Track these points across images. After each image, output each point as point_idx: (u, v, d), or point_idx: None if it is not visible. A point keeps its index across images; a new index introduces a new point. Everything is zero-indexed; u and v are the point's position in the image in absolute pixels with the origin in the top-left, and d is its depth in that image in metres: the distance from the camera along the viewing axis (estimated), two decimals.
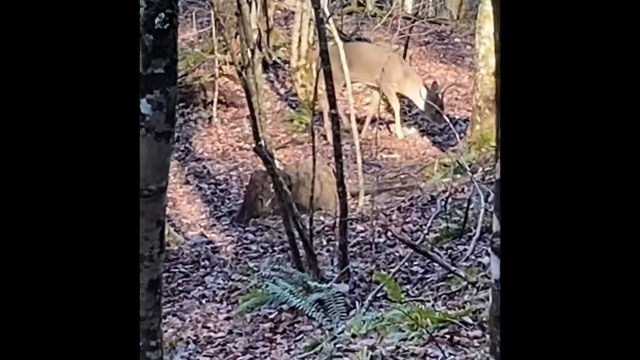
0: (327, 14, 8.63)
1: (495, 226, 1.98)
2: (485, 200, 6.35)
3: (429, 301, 5.19)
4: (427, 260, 6.12)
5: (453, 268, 5.58)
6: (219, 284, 7.02)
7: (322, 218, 8.09)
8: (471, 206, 6.71)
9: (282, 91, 12.38)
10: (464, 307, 4.71)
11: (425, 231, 6.87)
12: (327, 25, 8.13)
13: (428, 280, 5.97)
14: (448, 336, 4.17)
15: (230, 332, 5.82)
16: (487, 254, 5.35)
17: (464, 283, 5.23)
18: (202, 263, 7.76)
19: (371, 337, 4.44)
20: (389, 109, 10.98)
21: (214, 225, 9.01)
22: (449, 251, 6.48)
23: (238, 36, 8.85)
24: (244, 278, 6.75)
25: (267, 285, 5.97)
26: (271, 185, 6.96)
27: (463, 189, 7.83)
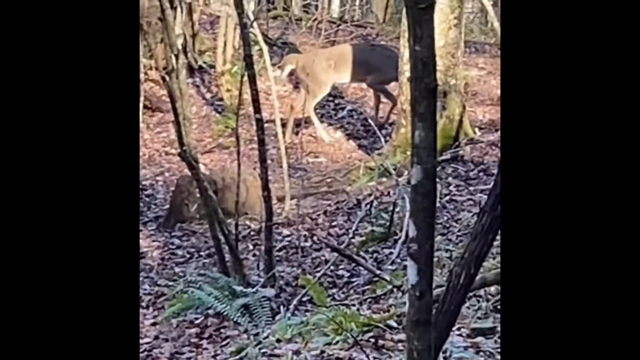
0: (252, 18, 8.62)
1: (412, 231, 2.00)
2: None
3: (354, 305, 5.21)
4: (353, 264, 6.15)
5: (378, 272, 5.62)
6: (145, 289, 6.97)
7: (248, 222, 8.07)
8: (397, 209, 6.77)
9: (208, 96, 12.33)
10: (388, 311, 4.74)
11: (351, 235, 6.91)
12: (251, 30, 8.13)
13: (354, 284, 6.00)
14: (372, 340, 4.19)
15: (156, 337, 5.78)
16: None
17: (389, 287, 5.27)
18: None
19: (296, 342, 4.44)
20: (315, 112, 11.00)
21: (140, 230, 8.95)
22: (375, 255, 6.52)
23: (163, 41, 8.81)
24: (170, 283, 6.71)
25: (192, 291, 5.94)
26: (197, 190, 6.92)
27: (389, 193, 7.88)
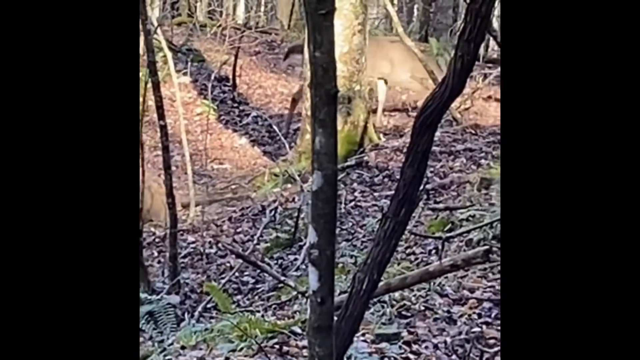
0: (155, 24, 8.55)
1: (312, 237, 2.00)
2: None
3: (259, 311, 5.20)
4: (258, 271, 6.14)
5: (283, 278, 5.61)
6: None
7: (152, 229, 8.00)
8: (301, 216, 6.77)
9: None
10: (293, 317, 4.74)
11: (256, 241, 6.89)
12: (155, 36, 8.05)
13: (259, 290, 5.99)
14: (277, 346, 4.18)
15: None
16: None
17: (294, 293, 5.27)
18: None
19: (200, 349, 4.40)
20: (220, 118, 10.95)
21: None
22: (280, 261, 6.52)
23: None
24: None
25: None
26: None
27: (293, 199, 7.89)
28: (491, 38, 6.43)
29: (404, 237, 5.62)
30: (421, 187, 2.62)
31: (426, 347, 4.01)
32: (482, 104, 10.69)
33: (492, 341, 3.97)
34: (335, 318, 2.67)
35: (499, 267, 5.24)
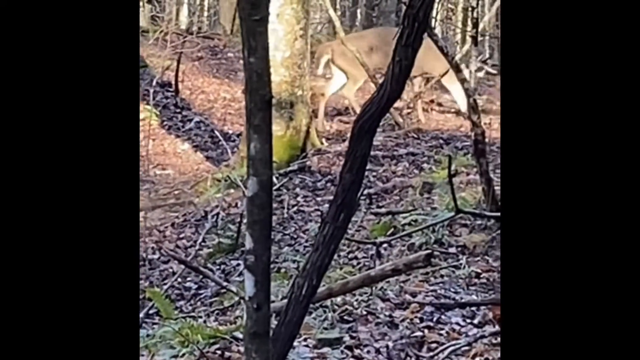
0: None
1: (248, 243, 1.99)
2: None
3: (201, 317, 5.17)
4: (200, 276, 6.10)
5: (225, 283, 5.58)
6: None
7: None
8: (244, 221, 6.75)
9: None
10: (235, 323, 4.73)
11: (198, 247, 6.86)
12: None
13: (201, 296, 5.96)
14: (219, 352, 4.16)
15: None
16: None
17: (236, 298, 5.25)
18: None
19: (142, 355, 4.37)
20: (162, 124, 10.88)
21: None
22: (222, 266, 6.50)
23: None
24: None
25: None
26: None
27: (236, 204, 7.86)
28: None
29: (346, 241, 5.64)
30: (360, 192, 2.62)
31: (368, 352, 4.02)
32: (424, 107, 10.74)
33: (434, 345, 3.99)
34: (276, 323, 2.67)
35: (441, 271, 5.28)
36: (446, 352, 2.54)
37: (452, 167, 7.73)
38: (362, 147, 2.53)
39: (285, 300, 2.72)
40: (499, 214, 5.71)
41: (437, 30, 17.99)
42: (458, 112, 10.10)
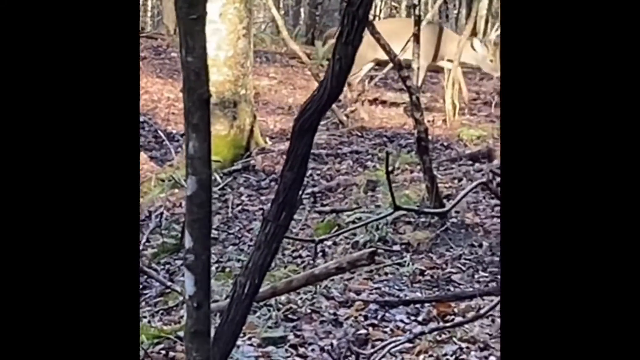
0: None
1: (188, 242, 1.98)
2: None
3: (145, 317, 5.14)
4: (145, 276, 6.06)
5: (169, 283, 5.55)
6: None
7: None
8: None
9: None
10: (179, 322, 4.71)
11: (142, 247, 6.81)
12: None
13: (145, 296, 5.92)
14: (163, 352, 4.15)
15: None
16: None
17: (181, 298, 5.23)
18: None
19: None
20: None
21: None
22: (167, 266, 6.46)
23: None
24: None
25: None
26: None
27: (180, 204, 7.82)
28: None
29: (290, 240, 5.64)
30: (302, 191, 2.63)
31: (312, 350, 4.02)
32: (368, 106, 10.78)
33: (378, 343, 4.01)
34: (219, 322, 2.66)
35: (385, 269, 5.30)
36: (385, 350, 2.55)
37: (396, 165, 7.81)
38: (303, 146, 2.53)
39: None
40: (439, 210, 5.75)
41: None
42: (405, 109, 10.14)
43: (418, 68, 8.57)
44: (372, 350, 3.42)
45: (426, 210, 5.74)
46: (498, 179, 6.08)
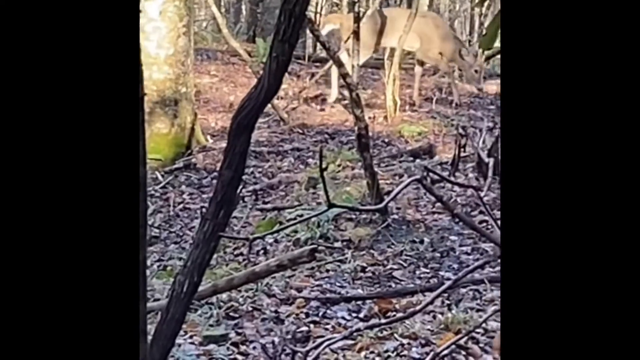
0: None
1: None
2: None
3: None
4: None
5: None
6: None
7: None
8: None
9: None
10: None
11: None
12: None
13: None
14: None
15: None
16: None
17: None
18: None
19: None
20: None
21: None
22: None
23: None
24: None
25: None
26: None
27: None
28: (315, 37, 6.54)
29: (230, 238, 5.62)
30: (241, 189, 2.62)
31: (254, 348, 4.02)
32: (309, 103, 10.80)
33: (319, 340, 4.02)
34: (158, 321, 2.65)
35: (326, 266, 5.31)
36: (321, 348, 2.55)
37: (337, 162, 7.83)
38: (241, 144, 2.52)
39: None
40: (373, 207, 5.77)
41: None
42: (345, 106, 10.17)
43: (358, 65, 8.60)
44: (307, 348, 3.41)
45: (360, 207, 5.76)
46: (433, 176, 6.11)
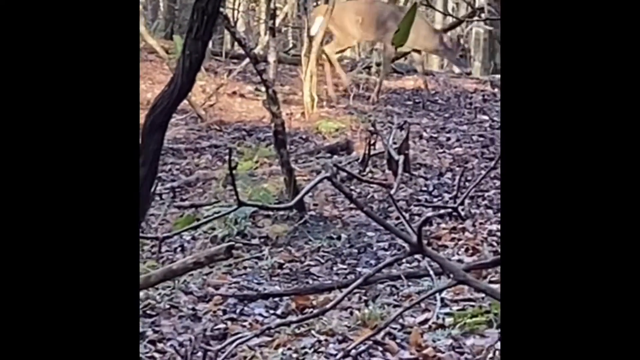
0: None
1: None
2: None
3: None
4: None
5: None
6: None
7: None
8: None
9: None
10: None
11: None
12: None
13: None
14: None
15: None
16: None
17: None
18: None
19: None
20: None
21: None
22: None
23: None
24: None
25: None
26: None
27: None
28: (232, 34, 6.51)
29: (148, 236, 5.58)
30: (156, 186, 2.61)
31: (171, 346, 4.00)
32: (226, 99, 10.75)
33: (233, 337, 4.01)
34: None
35: (244, 263, 5.31)
36: (233, 345, 2.55)
37: (255, 159, 7.83)
38: (154, 141, 2.52)
39: None
40: (282, 205, 5.78)
41: (241, 22, 18.06)
42: (264, 103, 10.17)
43: (274, 61, 8.60)
44: (219, 347, 3.40)
45: (270, 206, 5.77)
46: (343, 173, 6.15)
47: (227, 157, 8.40)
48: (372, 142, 7.38)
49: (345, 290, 2.69)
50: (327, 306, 2.74)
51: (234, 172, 7.13)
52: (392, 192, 4.14)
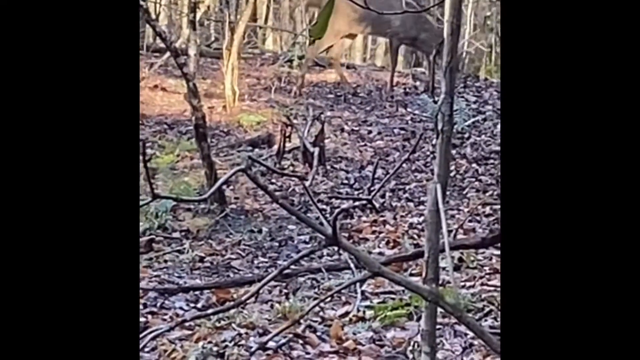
0: None
1: None
2: None
3: None
4: None
5: None
6: None
7: None
8: None
9: None
10: None
11: None
12: None
13: None
14: None
15: None
16: None
17: None
18: None
19: None
20: None
21: None
22: None
23: None
24: None
25: None
26: None
27: None
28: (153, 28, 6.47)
29: None
30: None
31: None
32: (148, 93, 10.68)
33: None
34: None
35: (164, 257, 5.29)
36: (147, 339, 2.55)
37: (176, 152, 7.80)
38: None
39: None
40: (196, 198, 5.78)
41: (163, 16, 17.90)
42: (185, 96, 10.13)
43: (195, 54, 8.57)
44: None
45: (184, 197, 5.77)
46: (260, 167, 6.17)
47: (148, 151, 8.36)
48: (288, 134, 7.42)
49: (261, 282, 2.69)
50: (243, 298, 2.74)
51: (155, 165, 7.13)
52: (307, 184, 4.16)
